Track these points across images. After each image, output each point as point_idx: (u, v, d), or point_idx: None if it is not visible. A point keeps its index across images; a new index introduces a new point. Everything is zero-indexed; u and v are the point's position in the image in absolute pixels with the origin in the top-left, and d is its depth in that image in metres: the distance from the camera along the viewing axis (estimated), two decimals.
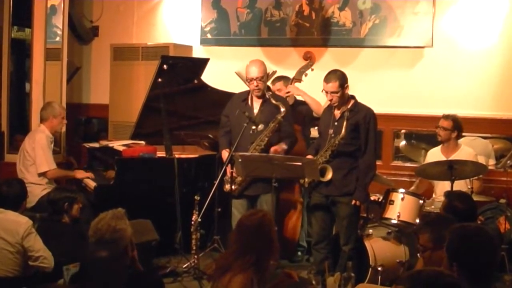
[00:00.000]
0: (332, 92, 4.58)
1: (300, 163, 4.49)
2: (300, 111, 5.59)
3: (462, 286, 2.26)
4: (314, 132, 5.65)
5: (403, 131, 6.35)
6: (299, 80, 5.69)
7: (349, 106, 4.65)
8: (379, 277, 4.43)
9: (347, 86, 4.65)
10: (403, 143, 6.28)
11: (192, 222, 4.86)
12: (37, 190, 5.35)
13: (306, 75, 5.70)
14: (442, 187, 5.04)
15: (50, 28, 6.78)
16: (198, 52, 7.07)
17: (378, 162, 5.53)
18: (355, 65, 6.39)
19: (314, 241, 4.85)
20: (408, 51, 6.26)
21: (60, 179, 5.81)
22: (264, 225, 3.06)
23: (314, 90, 5.32)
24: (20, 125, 6.88)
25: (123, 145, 5.75)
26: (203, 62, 5.93)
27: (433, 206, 4.95)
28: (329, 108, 4.77)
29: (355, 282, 3.77)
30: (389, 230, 4.92)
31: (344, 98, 4.64)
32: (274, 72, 5.79)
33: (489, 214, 5.20)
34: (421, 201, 4.76)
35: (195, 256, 4.88)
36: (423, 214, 4.68)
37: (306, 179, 4.73)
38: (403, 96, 6.28)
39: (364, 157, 4.63)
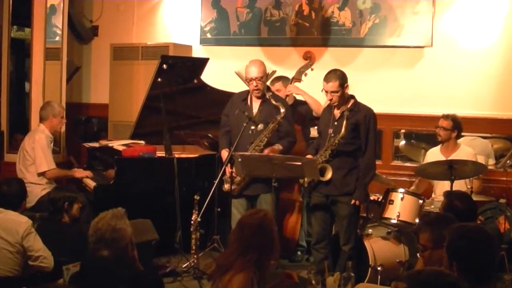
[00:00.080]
0: (332, 92, 4.58)
1: (299, 163, 4.49)
2: (300, 111, 5.60)
3: (462, 285, 2.26)
4: (313, 132, 5.65)
5: (403, 130, 6.35)
6: (299, 80, 5.69)
7: (349, 106, 4.65)
8: (379, 276, 4.43)
9: (347, 85, 4.65)
10: (402, 142, 6.28)
11: (192, 222, 4.86)
12: (37, 190, 5.34)
13: (306, 74, 5.71)
14: (441, 187, 5.04)
15: (50, 27, 6.78)
16: (198, 51, 7.07)
17: (378, 162, 5.54)
18: (355, 64, 6.39)
19: (314, 241, 4.85)
20: (408, 51, 6.26)
21: (60, 179, 5.81)
22: (265, 224, 3.06)
23: (314, 90, 5.32)
24: (20, 125, 6.88)
25: (123, 144, 5.76)
26: (202, 62, 5.93)
27: (432, 206, 4.96)
28: (329, 108, 4.77)
29: (354, 282, 3.77)
30: (389, 230, 4.93)
31: (344, 97, 4.64)
32: (273, 72, 5.79)
33: (489, 214, 5.21)
34: (420, 201, 4.76)
35: (195, 256, 4.88)
36: (423, 213, 4.68)
37: (306, 179, 4.73)
38: (403, 96, 6.28)
39: (364, 156, 4.63)
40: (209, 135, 5.63)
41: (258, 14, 6.84)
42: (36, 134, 5.58)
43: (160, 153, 5.56)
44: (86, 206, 4.92)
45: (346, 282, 3.70)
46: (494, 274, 2.68)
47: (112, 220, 2.99)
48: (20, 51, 7.54)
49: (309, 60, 5.80)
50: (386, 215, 4.79)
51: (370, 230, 4.89)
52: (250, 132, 4.85)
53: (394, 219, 4.73)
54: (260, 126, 4.85)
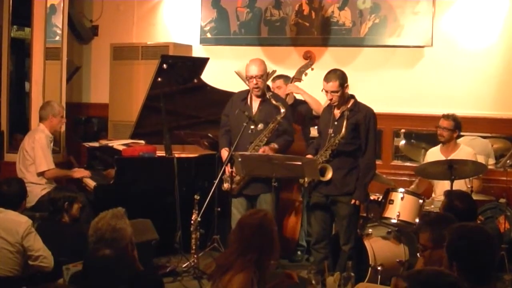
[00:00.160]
0: (332, 92, 4.58)
1: (300, 163, 4.49)
2: (300, 111, 5.60)
3: (462, 285, 2.26)
4: (313, 132, 5.65)
5: (403, 130, 6.36)
6: (299, 80, 5.70)
7: (349, 106, 4.65)
8: (379, 276, 4.43)
9: (347, 85, 4.65)
10: (402, 142, 6.28)
11: (192, 222, 4.86)
12: (36, 190, 5.34)
13: (306, 74, 5.71)
14: (441, 186, 5.04)
15: (50, 27, 6.78)
16: (198, 51, 7.07)
17: (378, 162, 5.54)
18: (355, 64, 6.39)
19: (314, 241, 4.85)
20: (408, 51, 6.26)
21: (59, 178, 5.81)
22: (265, 224, 3.06)
23: (314, 90, 5.32)
24: (20, 125, 6.88)
25: (123, 144, 5.76)
26: (203, 62, 5.93)
27: (432, 206, 4.96)
28: (329, 108, 4.77)
29: (355, 282, 3.77)
30: (389, 230, 4.93)
31: (344, 97, 4.64)
32: (273, 72, 5.80)
33: (489, 214, 5.21)
34: (420, 201, 4.76)
35: (195, 256, 4.88)
36: (423, 213, 4.68)
37: (306, 179, 4.73)
38: (403, 95, 6.28)
39: (364, 156, 4.63)
40: (209, 135, 5.63)
41: (258, 14, 6.84)
42: (36, 134, 5.58)
43: (160, 153, 5.56)
44: (86, 206, 4.92)
45: (346, 282, 3.70)
46: (494, 274, 2.68)
47: (112, 220, 2.99)
48: (20, 51, 7.53)
49: (309, 59, 5.80)
50: (386, 214, 4.80)
51: (370, 230, 4.89)
52: (249, 131, 4.85)
53: (394, 219, 4.73)
54: (260, 126, 4.85)
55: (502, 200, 5.29)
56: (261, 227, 3.04)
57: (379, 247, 4.72)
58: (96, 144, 6.16)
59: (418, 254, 3.38)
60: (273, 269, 3.38)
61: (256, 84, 4.91)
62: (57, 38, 6.90)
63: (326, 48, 6.56)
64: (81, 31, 7.58)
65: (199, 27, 7.09)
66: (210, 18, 7.05)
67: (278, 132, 4.90)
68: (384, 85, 6.33)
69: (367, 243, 4.69)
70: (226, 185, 4.95)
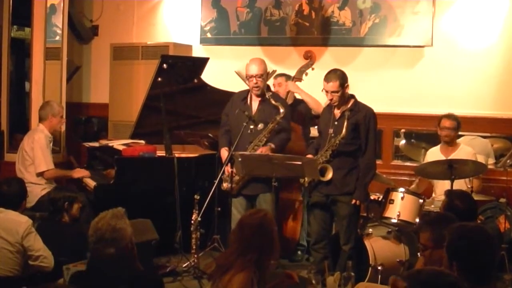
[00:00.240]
0: (332, 92, 4.58)
1: (300, 163, 4.49)
2: (300, 110, 5.60)
3: (462, 285, 2.26)
4: (313, 131, 5.65)
5: (403, 130, 6.35)
6: (300, 79, 5.70)
7: (349, 106, 4.65)
8: (379, 276, 4.43)
9: (347, 85, 4.65)
10: (403, 142, 6.28)
11: (192, 222, 4.86)
12: (36, 190, 5.34)
13: (306, 74, 5.72)
14: (442, 186, 5.04)
15: (50, 27, 6.78)
16: (198, 51, 7.07)
17: (378, 161, 5.54)
18: (355, 64, 6.39)
19: (313, 240, 4.85)
20: (408, 51, 6.26)
21: (59, 179, 5.80)
22: (265, 224, 3.06)
23: (314, 90, 5.32)
24: (20, 125, 6.88)
25: (123, 144, 5.75)
26: (203, 62, 5.93)
27: (433, 206, 4.96)
28: (329, 108, 4.76)
29: (355, 282, 3.77)
30: (389, 229, 4.93)
31: (344, 97, 4.64)
32: (273, 72, 5.80)
33: (489, 214, 5.21)
34: (421, 200, 4.76)
35: (195, 256, 4.88)
36: (423, 213, 4.68)
37: (306, 179, 4.73)
38: (403, 95, 6.28)
39: (364, 156, 4.62)
40: (209, 134, 5.63)
41: (258, 14, 6.84)
42: (35, 134, 5.57)
43: (160, 153, 5.56)
44: (86, 206, 4.92)
45: (346, 282, 3.69)
46: (494, 274, 2.68)
47: (112, 220, 2.99)
48: (20, 51, 7.53)
49: (310, 59, 5.81)
50: (387, 214, 4.79)
51: (370, 230, 4.89)
52: (249, 131, 4.85)
53: (395, 218, 4.73)
54: (260, 126, 4.85)
55: (502, 200, 5.29)
56: (261, 227, 3.03)
57: (379, 246, 4.72)
58: (96, 144, 6.15)
59: (418, 254, 3.38)
60: (273, 269, 3.38)
61: (256, 83, 4.91)
62: (57, 38, 6.91)
63: (326, 48, 6.56)
64: (81, 31, 7.58)
65: (199, 27, 7.09)
66: (210, 18, 7.05)
67: (276, 130, 4.90)
68: (384, 85, 6.33)
69: (367, 243, 4.69)
70: (225, 185, 4.95)
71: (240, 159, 4.62)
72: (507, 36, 5.92)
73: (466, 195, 3.98)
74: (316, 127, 5.45)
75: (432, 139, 5.71)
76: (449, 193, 4.03)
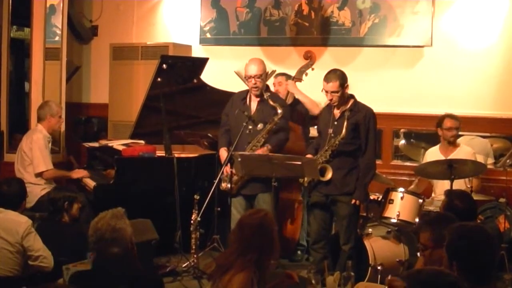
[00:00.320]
0: (332, 92, 4.58)
1: (299, 163, 4.49)
2: (299, 110, 5.61)
3: (462, 285, 2.26)
4: (313, 131, 5.65)
5: (402, 130, 6.35)
6: (300, 80, 5.71)
7: (348, 106, 4.65)
8: (379, 276, 4.43)
9: (347, 85, 4.65)
10: (402, 142, 6.28)
11: (192, 222, 4.86)
12: (36, 190, 5.34)
13: (306, 74, 5.72)
14: (441, 186, 5.05)
15: (49, 27, 6.77)
16: (198, 51, 7.07)
17: (378, 161, 5.53)
18: (355, 64, 6.39)
19: (312, 240, 4.86)
20: (407, 51, 6.26)
21: (58, 179, 5.80)
22: (265, 224, 3.06)
23: (313, 90, 5.32)
24: (19, 125, 6.88)
25: (123, 144, 5.76)
26: (202, 62, 5.93)
27: (432, 205, 4.96)
28: (329, 108, 4.76)
29: (354, 281, 3.77)
30: (389, 229, 4.93)
31: (344, 97, 4.64)
32: (273, 72, 5.81)
33: (489, 213, 5.22)
34: (420, 200, 4.77)
35: (195, 256, 4.88)
36: (423, 213, 4.68)
37: (306, 178, 4.73)
38: (402, 95, 6.28)
39: (364, 156, 4.63)
40: (209, 135, 5.63)
41: (258, 14, 6.84)
42: (34, 134, 5.57)
43: (160, 153, 5.56)
44: (86, 206, 4.92)
45: (346, 282, 3.69)
46: (494, 274, 2.68)
47: (112, 220, 2.99)
48: (20, 51, 7.54)
49: (310, 59, 5.81)
50: (386, 214, 4.80)
51: (370, 230, 4.89)
52: (247, 132, 4.86)
53: (394, 218, 4.74)
54: (260, 126, 4.86)
55: (502, 200, 5.29)
56: (261, 227, 3.03)
57: (379, 246, 4.73)
58: (96, 144, 6.15)
59: (418, 254, 3.38)
60: (273, 269, 3.38)
61: (255, 84, 4.91)
62: (57, 38, 6.90)
63: (325, 48, 6.56)
64: (80, 31, 7.58)
65: (199, 27, 7.09)
66: (210, 18, 7.05)
67: (273, 130, 4.89)
68: (384, 85, 6.32)
69: (367, 242, 4.69)
70: (224, 185, 4.95)
71: (239, 159, 4.62)
72: (507, 36, 5.92)
73: (466, 195, 3.98)
74: (315, 127, 5.45)
75: (431, 139, 5.71)
76: (449, 193, 4.03)
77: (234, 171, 4.80)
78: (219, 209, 5.13)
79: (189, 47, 7.07)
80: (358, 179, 4.61)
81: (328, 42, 6.55)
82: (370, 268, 4.57)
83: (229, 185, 4.88)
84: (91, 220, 3.08)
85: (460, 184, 4.80)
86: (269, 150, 4.81)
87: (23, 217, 3.94)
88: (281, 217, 5.33)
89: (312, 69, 5.73)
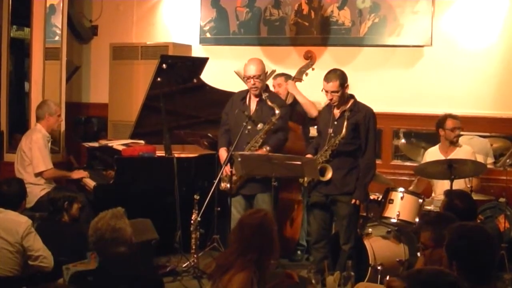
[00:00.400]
0: (332, 92, 4.58)
1: (299, 162, 4.49)
2: (299, 111, 5.60)
3: (462, 285, 2.26)
4: (313, 131, 5.65)
5: (402, 130, 6.35)
6: (300, 80, 5.70)
7: (348, 106, 4.65)
8: (379, 276, 4.43)
9: (347, 85, 4.65)
10: (402, 142, 6.28)
11: (192, 221, 4.86)
12: (35, 190, 5.34)
13: (306, 74, 5.71)
14: (441, 186, 5.05)
15: (49, 27, 6.78)
16: (198, 51, 7.07)
17: (378, 161, 5.53)
18: (355, 64, 6.39)
19: (313, 240, 4.86)
20: (407, 50, 6.26)
21: (58, 179, 5.80)
22: (265, 224, 3.06)
23: (313, 90, 5.32)
24: (19, 125, 6.88)
25: (123, 144, 5.75)
26: (202, 62, 5.93)
27: (432, 205, 4.95)
28: (328, 107, 4.76)
29: (354, 281, 3.77)
30: (389, 229, 4.93)
31: (344, 97, 4.64)
32: (273, 72, 5.80)
33: (489, 213, 5.21)
34: (420, 200, 4.77)
35: (195, 255, 4.88)
36: (423, 213, 4.68)
37: (306, 178, 4.73)
38: (402, 95, 6.28)
39: (364, 156, 4.63)
40: (209, 134, 5.63)
41: (258, 14, 6.84)
42: (33, 134, 5.57)
43: (160, 153, 5.56)
44: (86, 206, 4.92)
45: (346, 282, 3.70)
46: (494, 274, 2.68)
47: (112, 220, 3.00)
48: (20, 51, 7.53)
49: (310, 59, 5.80)
50: (386, 214, 4.80)
51: (370, 230, 4.89)
52: (246, 132, 4.86)
53: (394, 218, 4.74)
54: (260, 126, 4.86)
55: (502, 200, 5.28)
56: (261, 227, 3.04)
57: (379, 246, 4.72)
58: (96, 144, 6.15)
59: (418, 253, 3.38)
60: (273, 269, 3.38)
61: (254, 84, 4.91)
62: (57, 38, 6.90)
63: (325, 48, 6.55)
64: (80, 31, 7.57)
65: (199, 27, 7.08)
66: (210, 18, 7.05)
67: (272, 130, 4.89)
68: (384, 85, 6.32)
69: (367, 242, 4.69)
70: (223, 185, 4.96)
71: (239, 159, 4.62)
72: (507, 36, 5.92)
73: (466, 195, 3.99)
74: (315, 127, 5.45)
75: (431, 139, 5.71)
76: (449, 193, 4.03)
77: (234, 171, 4.80)
78: (219, 209, 5.13)
79: (189, 47, 7.07)
80: (358, 179, 4.61)
81: (328, 41, 6.55)
82: (370, 268, 4.56)
83: (228, 185, 4.89)
84: (91, 220, 3.08)
85: (460, 184, 4.80)
86: (268, 151, 4.81)
87: (23, 217, 3.94)
88: (281, 217, 5.33)
89: (313, 69, 5.72)
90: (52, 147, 5.92)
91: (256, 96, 4.98)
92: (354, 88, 5.03)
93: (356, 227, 4.76)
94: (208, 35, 7.07)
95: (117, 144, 5.79)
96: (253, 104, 5.00)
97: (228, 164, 4.85)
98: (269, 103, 4.84)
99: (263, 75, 5.00)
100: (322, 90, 4.66)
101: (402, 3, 6.21)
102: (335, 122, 4.64)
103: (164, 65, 5.45)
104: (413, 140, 6.26)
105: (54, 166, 5.62)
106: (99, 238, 2.98)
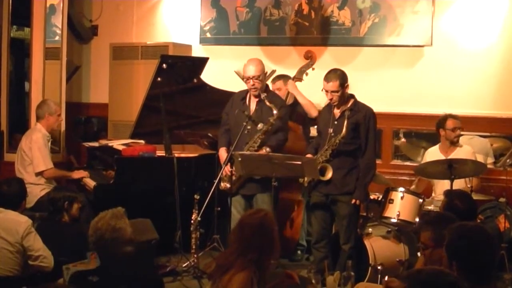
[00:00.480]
0: (332, 91, 4.58)
1: (299, 162, 4.49)
2: (299, 111, 5.60)
3: (462, 285, 2.26)
4: (313, 131, 5.65)
5: (402, 130, 6.35)
6: (300, 79, 5.70)
7: (349, 105, 4.65)
8: (379, 276, 4.43)
9: (347, 85, 4.65)
10: (402, 141, 6.28)
11: (192, 221, 4.86)
12: (36, 190, 5.34)
13: (307, 74, 5.71)
14: (441, 186, 5.05)
15: (49, 27, 6.78)
16: (198, 51, 7.06)
17: (378, 161, 5.53)
18: (355, 64, 6.39)
19: (314, 240, 4.86)
20: (407, 50, 6.26)
21: (58, 179, 5.81)
22: (265, 224, 3.06)
23: (313, 89, 5.32)
24: (19, 125, 6.88)
25: (123, 144, 5.76)
26: (202, 61, 5.93)
27: (432, 205, 4.95)
28: (329, 107, 4.76)
29: (354, 281, 3.77)
30: (389, 229, 4.93)
31: (344, 97, 4.64)
32: (273, 72, 5.80)
33: (489, 213, 5.21)
34: (420, 200, 4.77)
35: (195, 255, 4.88)
36: (423, 213, 4.68)
37: (306, 178, 4.73)
38: (402, 95, 6.28)
39: (364, 156, 4.63)
40: (209, 134, 5.63)
41: (258, 14, 6.83)
42: (33, 134, 5.57)
43: (160, 153, 5.56)
44: (86, 206, 4.92)
45: (346, 281, 3.70)
46: (494, 274, 2.68)
47: (112, 220, 3.00)
48: (20, 51, 7.53)
49: (310, 59, 5.80)
50: (386, 214, 4.80)
51: (370, 229, 4.89)
52: (246, 132, 4.86)
53: (394, 218, 4.74)
54: (260, 126, 4.85)
55: (502, 200, 5.28)
56: (261, 227, 3.04)
57: (379, 246, 4.73)
58: (96, 144, 6.15)
59: (418, 253, 3.38)
60: (273, 269, 3.38)
61: (253, 84, 4.91)
62: (57, 38, 6.90)
63: (325, 48, 6.55)
64: (80, 31, 7.57)
65: (199, 27, 7.08)
66: (210, 18, 7.04)
67: (272, 130, 4.89)
68: (384, 85, 6.32)
69: (367, 242, 4.69)
70: (223, 185, 4.96)
71: (240, 159, 4.62)
72: (507, 36, 5.91)
73: (466, 195, 3.99)
74: (315, 127, 5.45)
75: (431, 139, 5.71)
76: (449, 193, 4.03)
77: (234, 171, 4.80)
78: (219, 209, 5.13)
79: (189, 47, 7.06)
80: (358, 179, 4.61)
81: (328, 41, 6.54)
82: (370, 268, 4.57)
83: (228, 185, 4.89)
84: (91, 220, 3.08)
85: (460, 184, 4.80)
86: (268, 152, 4.81)
87: (23, 217, 3.94)
88: (281, 217, 5.32)
89: (313, 69, 5.73)
90: (52, 147, 5.93)
91: (255, 96, 4.99)
92: (354, 88, 5.03)
93: (356, 227, 4.76)
94: (208, 35, 7.07)
95: (117, 144, 5.79)
96: (253, 104, 5.01)
97: (228, 164, 4.85)
98: (268, 103, 4.84)
99: (263, 76, 5.00)
100: (322, 90, 4.66)
101: (402, 3, 6.21)
102: (335, 122, 4.64)
103: (164, 65, 5.45)
104: (413, 140, 6.26)
105: (54, 166, 5.62)
106: (99, 238, 2.98)
